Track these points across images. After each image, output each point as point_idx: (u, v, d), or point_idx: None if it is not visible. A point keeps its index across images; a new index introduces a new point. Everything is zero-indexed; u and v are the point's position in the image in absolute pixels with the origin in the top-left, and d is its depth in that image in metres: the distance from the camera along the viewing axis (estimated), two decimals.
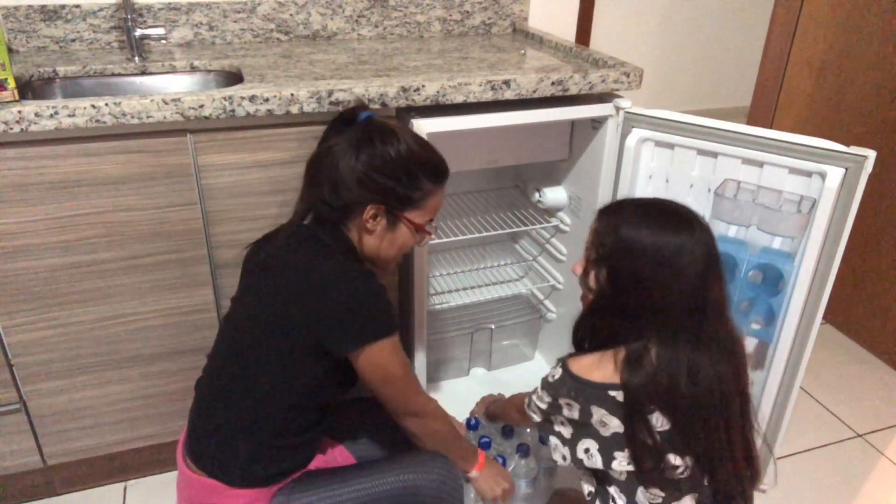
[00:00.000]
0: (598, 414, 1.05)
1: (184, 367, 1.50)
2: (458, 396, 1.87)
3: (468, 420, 1.58)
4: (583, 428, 1.08)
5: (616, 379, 1.03)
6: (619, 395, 1.03)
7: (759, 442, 1.14)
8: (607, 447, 1.06)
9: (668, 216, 1.04)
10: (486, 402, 1.62)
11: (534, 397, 1.16)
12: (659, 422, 1.03)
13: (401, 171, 1.10)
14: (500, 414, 1.51)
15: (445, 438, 1.23)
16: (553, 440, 1.14)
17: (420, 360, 1.67)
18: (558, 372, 1.10)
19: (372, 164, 1.08)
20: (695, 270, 1.01)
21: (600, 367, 1.06)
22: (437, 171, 1.15)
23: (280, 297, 1.09)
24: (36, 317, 1.34)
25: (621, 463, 1.05)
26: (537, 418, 1.16)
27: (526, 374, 2.01)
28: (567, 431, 1.12)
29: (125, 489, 1.62)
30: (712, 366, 1.02)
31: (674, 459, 1.04)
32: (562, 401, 1.09)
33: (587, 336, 1.13)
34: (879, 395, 2.01)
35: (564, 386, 1.08)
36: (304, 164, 1.18)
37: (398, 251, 1.19)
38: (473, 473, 1.29)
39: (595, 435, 1.07)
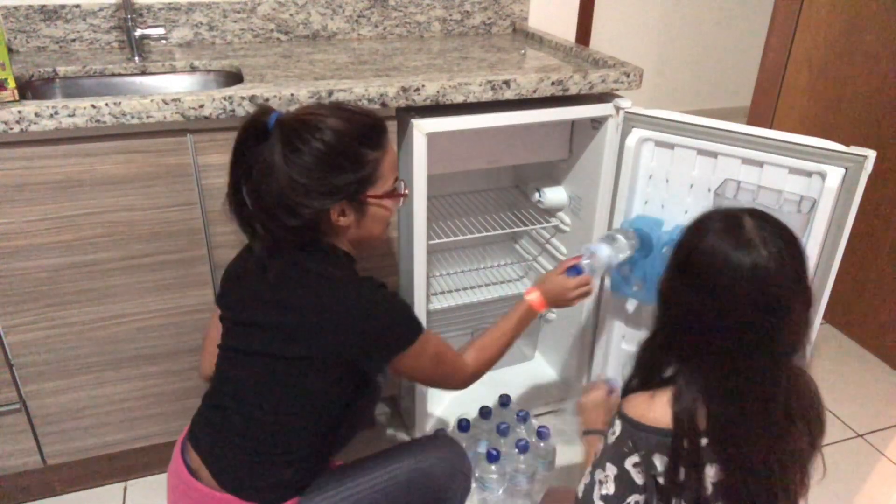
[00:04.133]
0: (660, 465, 0.93)
1: (184, 367, 1.50)
2: (457, 396, 1.87)
3: (459, 421, 1.58)
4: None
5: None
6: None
7: None
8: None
9: (726, 222, 0.91)
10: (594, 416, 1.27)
11: (598, 496, 0.97)
12: (712, 472, 0.92)
13: (340, 158, 1.03)
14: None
15: (502, 345, 1.28)
16: None
17: None
18: (617, 427, 0.96)
19: (310, 170, 1.01)
20: (722, 290, 0.88)
21: (655, 409, 0.93)
22: (374, 134, 1.07)
23: (301, 337, 1.05)
24: (36, 317, 1.34)
25: None
26: None
27: (526, 374, 2.01)
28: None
29: (125, 489, 1.62)
30: (738, 407, 0.90)
31: None
32: (629, 463, 0.94)
33: (641, 366, 1.02)
34: (879, 395, 2.01)
35: (628, 438, 0.94)
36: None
37: (382, 226, 1.15)
38: (546, 313, 1.33)
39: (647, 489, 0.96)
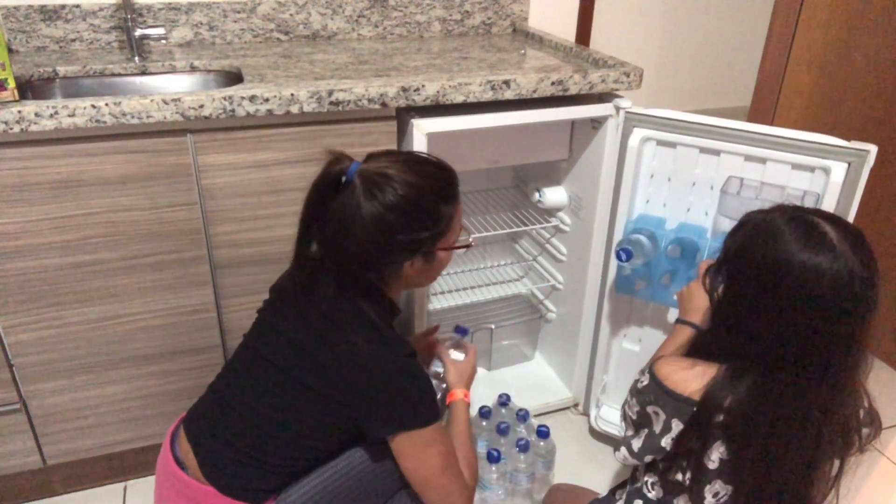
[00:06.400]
0: (676, 428, 1.00)
1: (184, 367, 1.50)
2: None
3: (480, 409, 1.61)
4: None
5: (699, 396, 0.97)
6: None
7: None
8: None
9: (805, 228, 0.92)
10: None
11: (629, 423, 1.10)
12: (720, 450, 0.98)
13: (420, 215, 1.04)
14: None
15: (472, 449, 1.22)
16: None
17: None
18: (645, 378, 1.05)
19: (392, 226, 1.02)
20: (813, 299, 0.89)
21: (687, 377, 0.99)
22: (449, 189, 1.09)
23: (322, 373, 1.07)
24: (36, 317, 1.34)
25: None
26: (637, 444, 1.07)
27: (526, 374, 2.01)
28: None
29: (125, 489, 1.62)
30: (801, 409, 0.93)
31: (717, 486, 0.99)
32: (650, 409, 1.03)
33: (693, 342, 1.07)
34: (880, 396, 2.00)
35: (651, 393, 1.03)
36: (305, 167, 1.14)
37: (440, 272, 1.18)
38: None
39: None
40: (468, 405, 1.29)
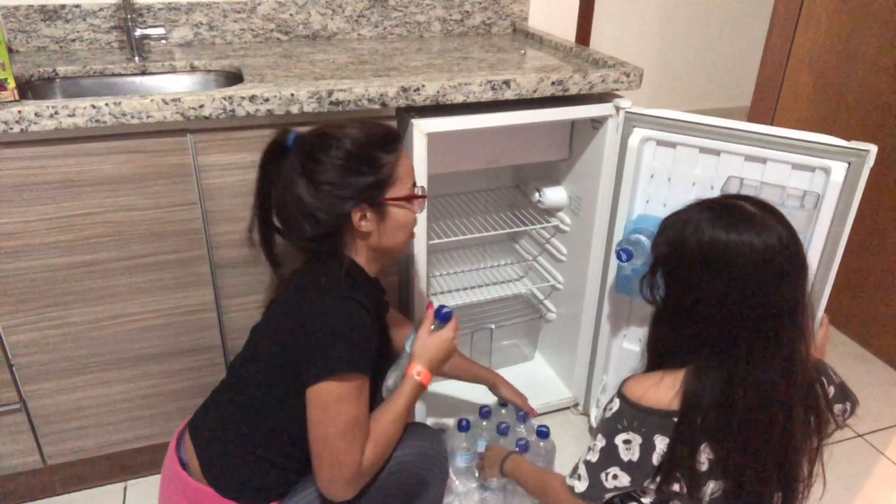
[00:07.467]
0: (661, 445, 0.98)
1: (184, 367, 1.50)
2: (456, 396, 1.87)
3: (459, 421, 1.57)
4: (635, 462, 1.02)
5: (676, 405, 0.97)
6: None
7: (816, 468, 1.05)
8: (644, 473, 1.01)
9: (723, 211, 0.95)
10: (494, 456, 1.44)
11: (581, 460, 1.07)
12: (706, 452, 0.97)
13: (356, 162, 1.07)
14: (519, 480, 1.36)
15: (396, 433, 1.12)
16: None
17: None
18: (615, 404, 1.02)
19: (329, 177, 1.06)
20: (752, 273, 0.91)
21: (659, 391, 0.98)
22: (387, 139, 1.12)
23: (275, 340, 1.11)
24: (36, 317, 1.34)
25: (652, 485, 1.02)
26: (581, 487, 1.06)
27: (526, 374, 2.01)
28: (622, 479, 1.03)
29: (125, 489, 1.62)
30: (766, 384, 0.94)
31: (710, 486, 0.99)
32: (619, 439, 1.00)
33: (650, 353, 1.07)
34: (879, 395, 2.01)
35: (624, 417, 0.99)
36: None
37: (404, 233, 1.17)
38: (429, 378, 1.16)
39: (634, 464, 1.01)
40: (420, 386, 1.15)
